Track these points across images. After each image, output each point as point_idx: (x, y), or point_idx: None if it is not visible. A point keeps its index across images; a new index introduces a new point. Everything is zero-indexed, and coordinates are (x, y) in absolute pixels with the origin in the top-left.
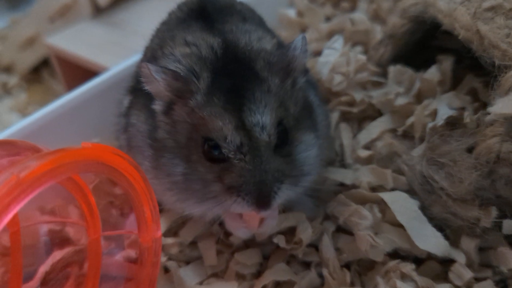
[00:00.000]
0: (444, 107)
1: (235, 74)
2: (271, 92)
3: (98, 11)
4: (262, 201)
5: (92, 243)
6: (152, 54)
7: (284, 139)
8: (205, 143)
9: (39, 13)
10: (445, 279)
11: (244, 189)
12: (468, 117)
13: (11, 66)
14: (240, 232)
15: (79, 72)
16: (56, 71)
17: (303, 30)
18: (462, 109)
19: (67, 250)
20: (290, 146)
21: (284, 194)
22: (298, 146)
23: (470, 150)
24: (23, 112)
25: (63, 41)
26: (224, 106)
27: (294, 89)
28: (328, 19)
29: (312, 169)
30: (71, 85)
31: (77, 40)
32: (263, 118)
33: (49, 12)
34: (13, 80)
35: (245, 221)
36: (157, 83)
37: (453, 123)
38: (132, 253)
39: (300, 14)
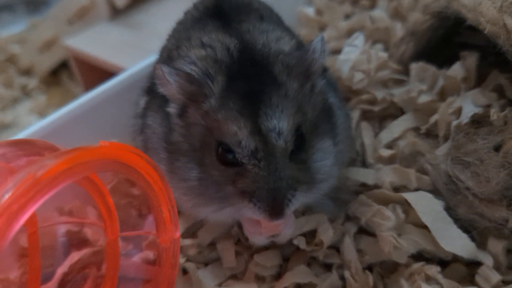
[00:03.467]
0: (469, 105)
1: (252, 77)
2: (289, 97)
3: (116, 13)
4: (275, 209)
5: (110, 244)
6: (168, 55)
7: (300, 146)
8: (219, 146)
9: (58, 16)
10: (472, 282)
11: (257, 195)
12: (495, 114)
13: (30, 69)
14: (256, 239)
15: (97, 74)
16: (75, 73)
17: (322, 28)
18: (488, 106)
19: (85, 251)
20: (306, 153)
21: (298, 201)
22: (315, 154)
23: (497, 148)
24: (42, 114)
25: (82, 43)
26: (240, 110)
27: (312, 93)
28: (347, 17)
29: (327, 177)
30: (90, 87)
31: (95, 42)
32: (280, 124)
33: (67, 15)
34: (32, 82)
35: (263, 226)
36: (170, 86)
37: (478, 121)
38: (150, 254)
39: (319, 12)
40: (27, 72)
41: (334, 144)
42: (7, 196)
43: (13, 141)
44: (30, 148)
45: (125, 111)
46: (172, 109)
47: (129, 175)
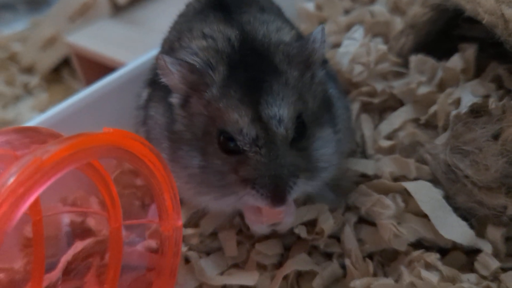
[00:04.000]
0: (468, 95)
1: (253, 66)
2: (289, 85)
3: (117, 10)
4: (277, 195)
5: (113, 232)
6: (170, 46)
7: (302, 133)
8: (220, 135)
9: (59, 14)
10: (471, 269)
11: (258, 182)
12: (493, 103)
13: (32, 66)
14: (258, 228)
15: (98, 70)
16: (76, 70)
17: (322, 23)
18: (486, 97)
19: (88, 241)
20: (307, 141)
21: (299, 189)
22: (315, 142)
23: (495, 137)
24: (44, 112)
25: (83, 39)
26: (241, 98)
27: (313, 83)
28: (346, 12)
29: (328, 165)
30: (91, 83)
31: (97, 38)
32: (280, 111)
33: (69, 12)
34: (34, 80)
35: (264, 214)
36: (172, 76)
37: (477, 111)
38: (153, 243)
39: (318, 7)
40: (28, 70)
41: (334, 132)
42: (12, 180)
43: (18, 128)
44: (36, 135)
45: (127, 104)
46: (174, 99)
47: (131, 162)
